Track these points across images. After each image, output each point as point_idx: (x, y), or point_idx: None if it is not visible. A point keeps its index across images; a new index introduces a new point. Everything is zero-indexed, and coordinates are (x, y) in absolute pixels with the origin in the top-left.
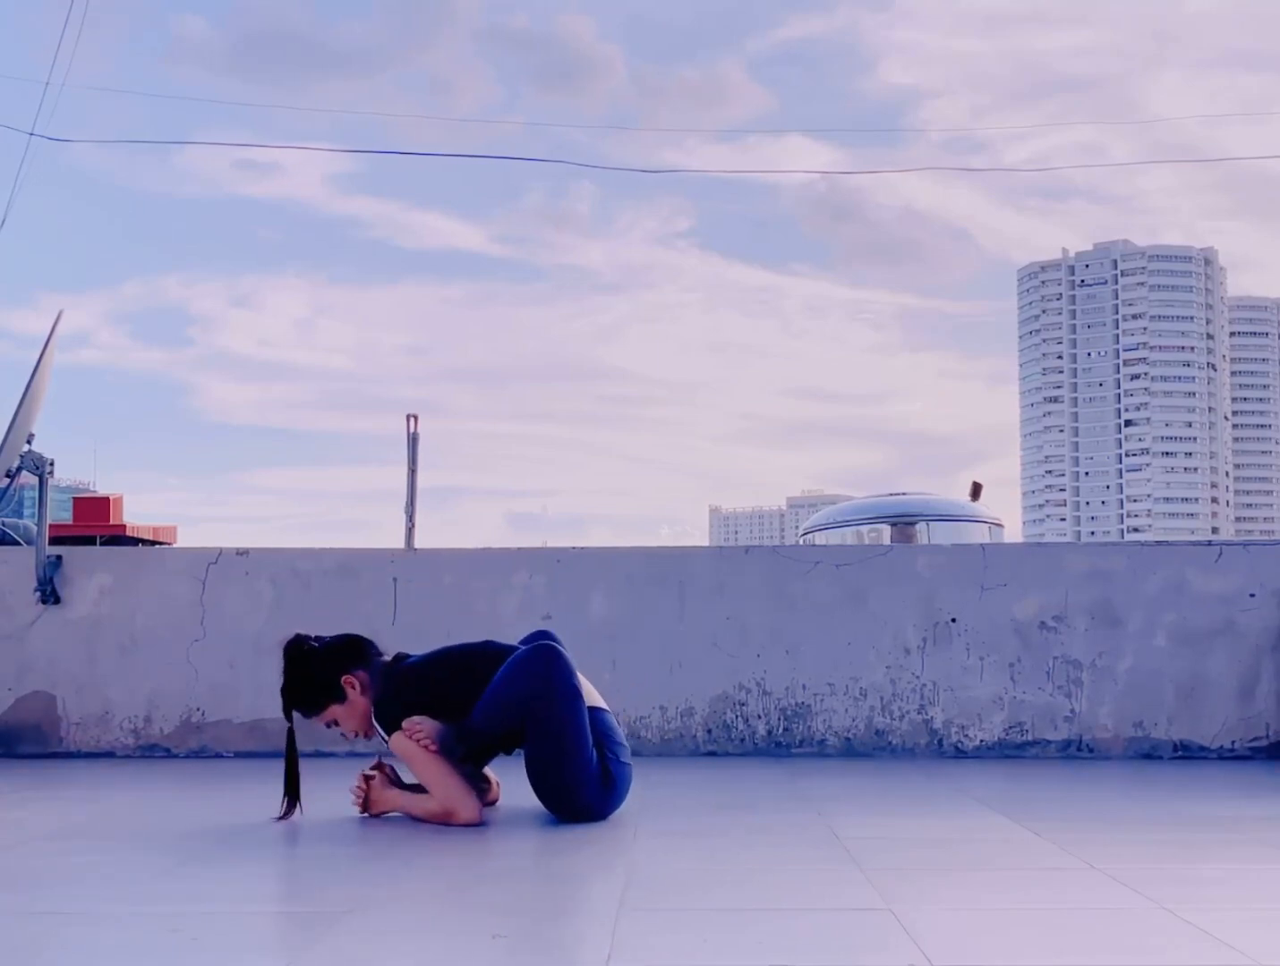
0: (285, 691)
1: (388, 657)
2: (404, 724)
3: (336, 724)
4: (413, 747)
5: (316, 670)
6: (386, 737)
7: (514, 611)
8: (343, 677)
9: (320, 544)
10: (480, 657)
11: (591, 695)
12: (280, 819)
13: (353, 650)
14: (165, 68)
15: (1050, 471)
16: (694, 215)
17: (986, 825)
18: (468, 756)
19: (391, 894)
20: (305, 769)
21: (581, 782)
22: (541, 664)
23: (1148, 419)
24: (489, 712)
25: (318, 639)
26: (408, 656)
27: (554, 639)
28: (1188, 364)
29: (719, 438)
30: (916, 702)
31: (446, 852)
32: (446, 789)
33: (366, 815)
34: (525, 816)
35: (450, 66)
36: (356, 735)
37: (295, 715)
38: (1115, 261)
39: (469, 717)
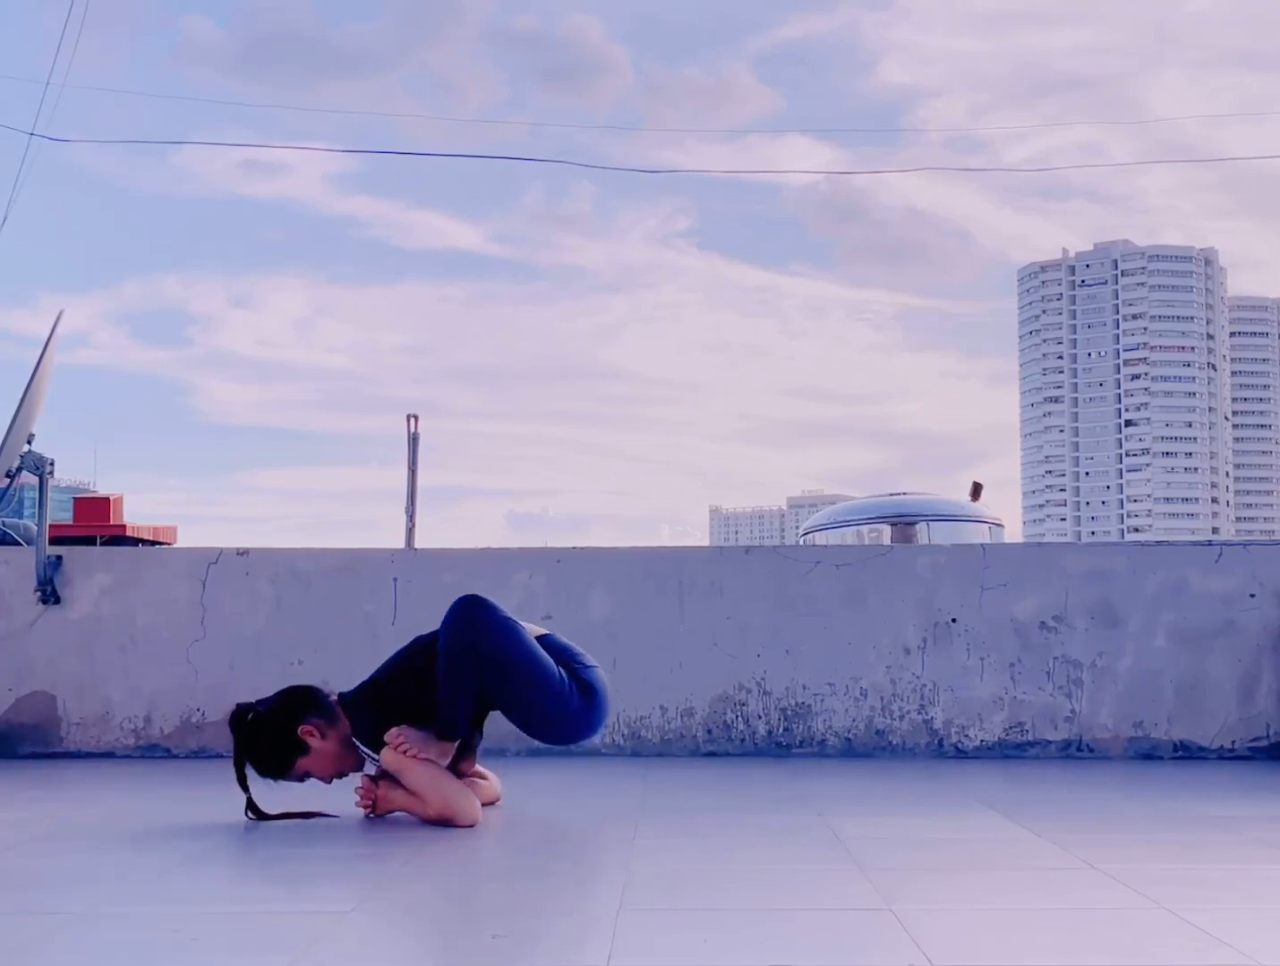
0: (250, 763)
1: (334, 695)
2: (386, 737)
3: (309, 775)
4: (403, 760)
5: (272, 733)
6: (375, 758)
7: (514, 611)
8: (299, 729)
9: (320, 544)
10: (414, 652)
11: (533, 629)
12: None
13: (298, 701)
14: (173, 68)
15: (1050, 471)
16: (694, 215)
17: (987, 825)
18: (467, 736)
19: (391, 894)
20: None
21: (561, 699)
22: (464, 610)
23: (1148, 419)
24: (449, 686)
25: (260, 702)
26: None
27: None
28: (1188, 364)
29: (719, 437)
30: (917, 702)
31: (446, 852)
32: (443, 795)
33: (372, 815)
34: (525, 816)
35: (457, 67)
36: (332, 780)
37: (267, 780)
38: (1115, 261)
39: (439, 705)
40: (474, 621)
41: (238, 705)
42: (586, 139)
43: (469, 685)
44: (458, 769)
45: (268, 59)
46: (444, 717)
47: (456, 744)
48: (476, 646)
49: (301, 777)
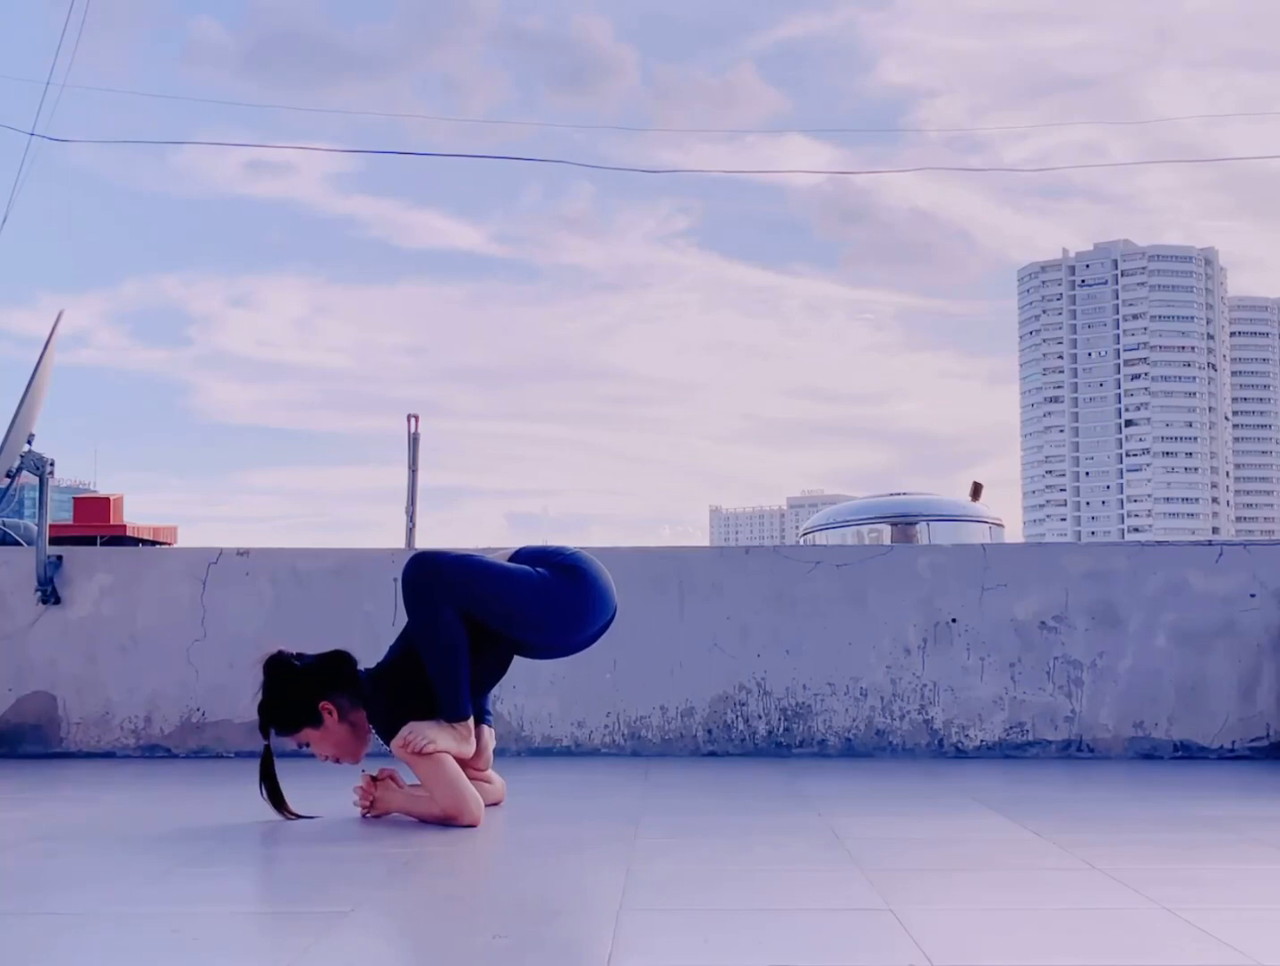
0: (263, 709)
1: (364, 670)
2: (394, 741)
3: (308, 745)
4: (411, 756)
5: (296, 693)
6: (388, 744)
7: None
8: (320, 703)
9: (320, 544)
10: (405, 637)
11: (501, 553)
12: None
13: (333, 673)
14: (181, 70)
15: (1050, 471)
16: (694, 215)
17: (986, 825)
18: (475, 707)
19: (391, 894)
20: (303, 767)
21: (549, 594)
22: (413, 581)
23: (1148, 419)
24: (434, 663)
25: (299, 657)
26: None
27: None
28: (1188, 364)
29: (719, 438)
30: (917, 702)
31: (446, 852)
32: (448, 792)
33: (369, 816)
34: (525, 816)
35: (465, 68)
36: (327, 759)
37: (272, 733)
38: (1115, 261)
39: (435, 687)
40: (425, 578)
41: (279, 651)
42: (587, 139)
43: (446, 648)
44: (469, 767)
45: (276, 61)
46: (444, 698)
47: (470, 721)
48: (435, 599)
49: (301, 744)
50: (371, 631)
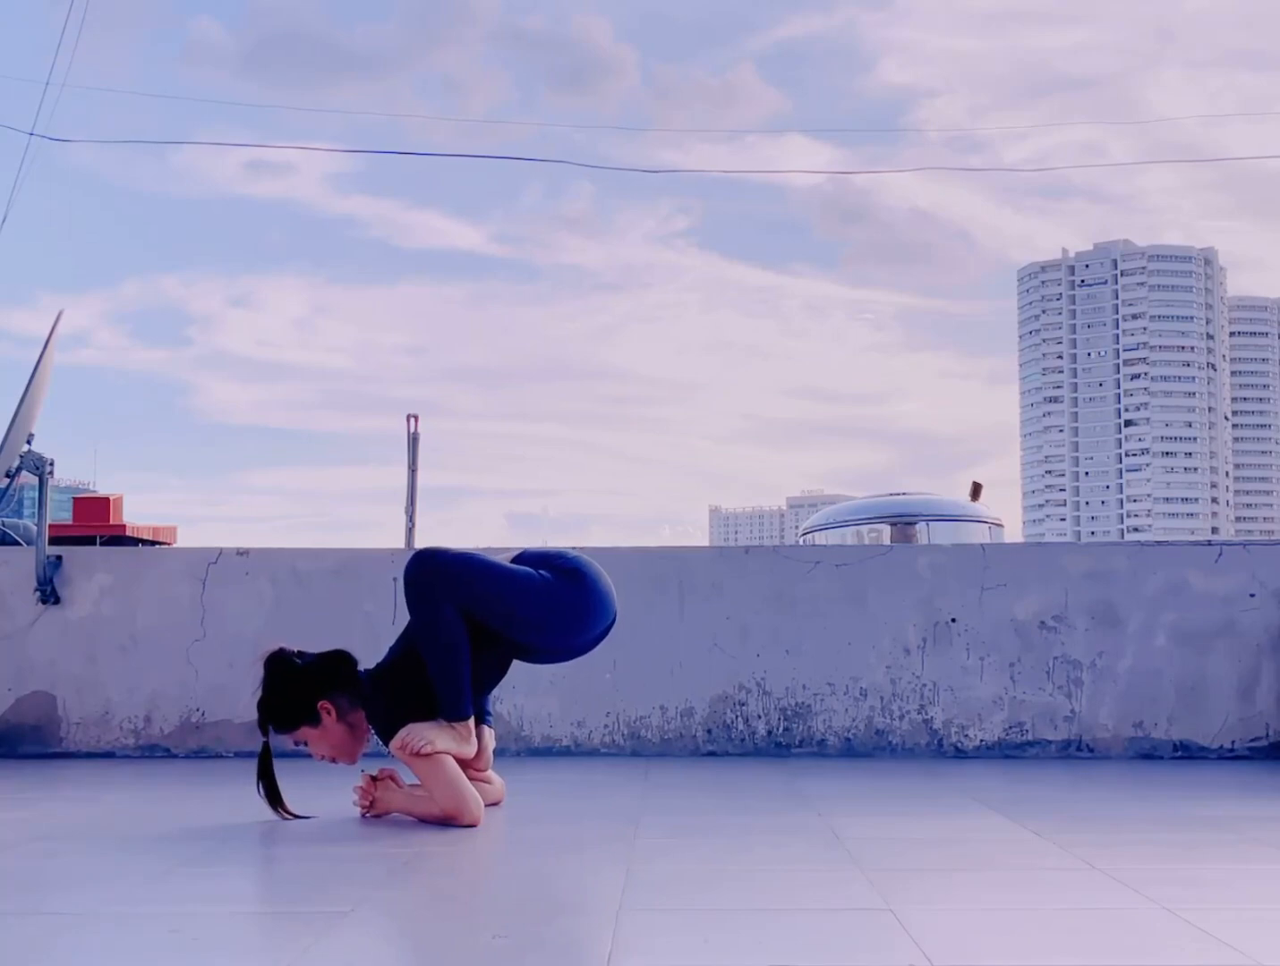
0: (262, 706)
1: (364, 670)
2: (392, 743)
3: (305, 744)
4: (410, 757)
5: (296, 691)
6: (387, 745)
7: None
8: (320, 703)
9: (320, 544)
10: (405, 637)
11: (505, 556)
12: (285, 818)
13: (334, 672)
14: (182, 70)
15: (1050, 471)
16: (694, 215)
17: (986, 825)
18: (475, 707)
19: (391, 894)
20: (301, 767)
21: (550, 596)
22: (416, 580)
23: (1148, 419)
24: (435, 661)
25: (300, 654)
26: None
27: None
28: (1188, 364)
29: (719, 438)
30: (916, 702)
31: (446, 853)
32: (448, 792)
33: (369, 816)
34: (525, 816)
35: (465, 68)
36: (323, 759)
37: (271, 731)
38: (1115, 261)
39: (435, 685)
40: (427, 575)
41: (281, 648)
42: (587, 139)
43: (447, 648)
44: (469, 767)
45: (276, 61)
46: (445, 698)
47: (471, 721)
48: (441, 608)
49: (298, 743)
50: (371, 631)
